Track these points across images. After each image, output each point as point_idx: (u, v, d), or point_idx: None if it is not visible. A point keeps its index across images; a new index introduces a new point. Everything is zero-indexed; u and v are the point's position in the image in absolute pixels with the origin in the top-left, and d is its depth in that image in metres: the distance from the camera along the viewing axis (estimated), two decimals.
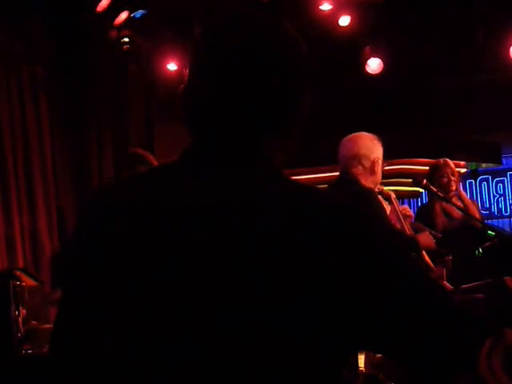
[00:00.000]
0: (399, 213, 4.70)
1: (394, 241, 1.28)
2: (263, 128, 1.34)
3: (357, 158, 4.20)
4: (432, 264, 4.68)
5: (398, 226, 4.62)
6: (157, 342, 1.24)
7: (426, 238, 4.65)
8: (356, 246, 1.23)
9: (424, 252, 4.57)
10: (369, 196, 4.16)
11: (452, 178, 5.70)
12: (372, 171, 4.23)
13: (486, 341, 1.22)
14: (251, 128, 1.33)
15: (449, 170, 5.73)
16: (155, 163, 4.28)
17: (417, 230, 4.91)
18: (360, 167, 4.20)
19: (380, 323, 1.23)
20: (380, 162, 4.27)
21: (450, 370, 1.25)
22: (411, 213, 4.93)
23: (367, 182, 4.23)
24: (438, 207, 5.66)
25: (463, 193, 5.98)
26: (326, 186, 5.16)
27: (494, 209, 11.16)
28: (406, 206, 5.10)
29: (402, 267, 1.26)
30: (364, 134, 4.32)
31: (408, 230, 4.70)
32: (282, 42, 1.35)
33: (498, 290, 4.40)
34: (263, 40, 1.34)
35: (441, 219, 5.62)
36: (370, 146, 4.24)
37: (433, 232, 4.97)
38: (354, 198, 1.31)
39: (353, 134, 4.32)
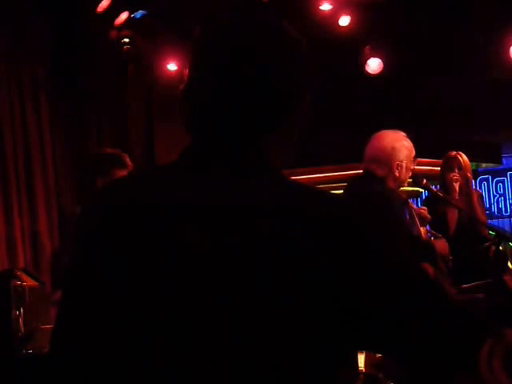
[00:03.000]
0: (415, 215, 4.59)
1: (396, 242, 1.28)
2: (263, 128, 1.34)
3: (375, 161, 4.13)
4: (446, 270, 4.64)
5: (415, 230, 4.52)
6: (157, 343, 1.24)
7: (442, 245, 4.59)
8: (356, 246, 1.23)
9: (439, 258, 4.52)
10: (386, 197, 4.07)
11: (456, 172, 5.58)
12: (393, 175, 4.14)
13: (486, 341, 1.22)
14: (251, 128, 1.33)
15: (455, 164, 5.60)
16: (129, 162, 4.26)
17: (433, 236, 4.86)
18: (379, 170, 4.13)
19: (380, 323, 1.24)
20: (404, 164, 4.15)
21: (450, 370, 1.26)
22: (427, 214, 4.79)
23: (390, 182, 4.14)
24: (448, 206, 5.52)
25: (472, 191, 5.83)
26: (330, 185, 5.13)
27: (494, 209, 11.17)
28: (423, 208, 4.94)
29: (402, 269, 1.26)
30: (391, 133, 4.21)
31: (423, 234, 4.61)
32: (282, 42, 1.35)
33: (498, 289, 4.40)
34: (263, 40, 1.33)
35: (453, 217, 5.53)
36: (389, 151, 4.13)
37: (435, 233, 4.95)
38: (367, 198, 1.31)
39: (381, 133, 4.21)
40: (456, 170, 5.60)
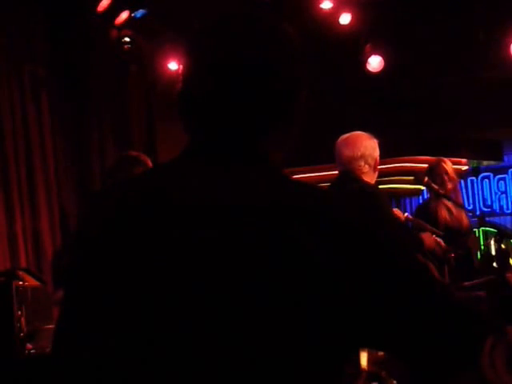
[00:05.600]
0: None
1: (397, 239, 1.28)
2: (262, 127, 1.34)
3: (363, 157, 4.28)
4: (432, 263, 4.70)
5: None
6: (157, 343, 1.23)
7: (428, 238, 4.69)
8: (357, 244, 1.23)
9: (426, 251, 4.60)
10: (375, 193, 4.23)
11: (445, 178, 5.61)
12: (375, 169, 4.33)
13: (488, 338, 1.22)
14: (250, 127, 1.33)
15: (442, 170, 5.64)
16: (150, 164, 4.26)
17: (418, 228, 4.92)
18: (366, 166, 4.28)
19: (382, 321, 1.23)
20: (378, 160, 4.38)
21: (452, 368, 1.26)
22: (401, 214, 4.97)
23: (369, 179, 4.29)
24: (441, 204, 5.55)
25: (459, 195, 5.88)
26: (327, 184, 5.21)
27: (496, 206, 11.17)
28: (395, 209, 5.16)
29: (404, 265, 1.26)
30: (362, 133, 4.39)
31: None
32: (279, 41, 1.35)
33: (499, 287, 4.41)
34: (261, 40, 1.33)
35: (443, 216, 5.56)
36: (373, 145, 4.33)
37: (434, 229, 4.97)
38: (359, 196, 1.31)
39: (351, 134, 4.38)
40: (444, 177, 5.62)
